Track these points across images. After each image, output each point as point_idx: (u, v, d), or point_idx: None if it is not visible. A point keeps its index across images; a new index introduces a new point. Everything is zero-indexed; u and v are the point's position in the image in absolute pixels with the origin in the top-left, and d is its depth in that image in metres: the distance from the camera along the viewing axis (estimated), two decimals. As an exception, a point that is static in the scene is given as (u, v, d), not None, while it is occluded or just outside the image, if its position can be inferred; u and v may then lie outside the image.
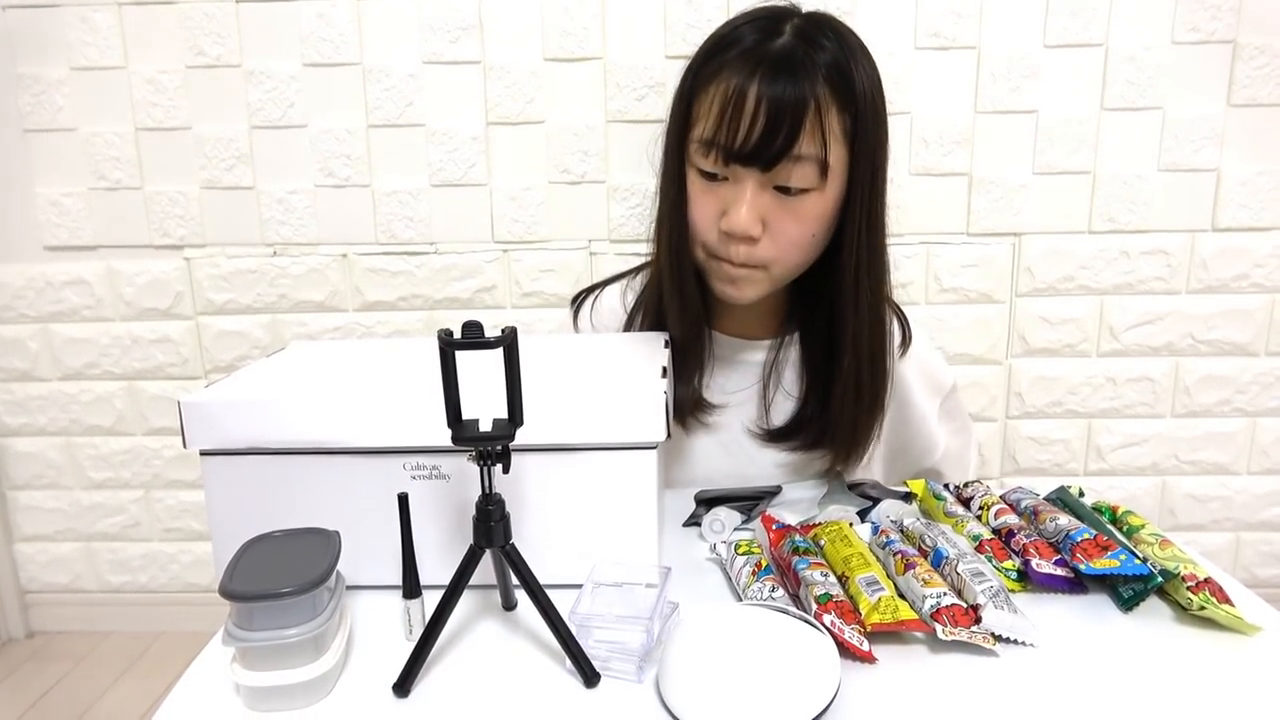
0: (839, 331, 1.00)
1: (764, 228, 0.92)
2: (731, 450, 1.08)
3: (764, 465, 1.08)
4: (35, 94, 1.74)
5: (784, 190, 0.91)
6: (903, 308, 1.11)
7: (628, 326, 1.10)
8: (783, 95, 0.87)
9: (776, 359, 1.07)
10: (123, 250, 1.82)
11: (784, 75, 0.87)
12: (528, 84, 1.70)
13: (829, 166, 0.90)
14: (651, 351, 0.92)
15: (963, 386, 1.80)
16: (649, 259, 1.09)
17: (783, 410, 1.07)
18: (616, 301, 1.13)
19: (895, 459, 1.14)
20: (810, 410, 1.05)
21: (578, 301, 1.19)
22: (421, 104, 1.72)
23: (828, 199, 0.92)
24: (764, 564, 0.78)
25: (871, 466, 1.11)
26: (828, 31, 0.91)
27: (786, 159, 0.88)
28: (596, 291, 1.17)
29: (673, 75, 1.67)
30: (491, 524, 0.66)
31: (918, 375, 1.11)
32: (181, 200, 1.78)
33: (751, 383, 1.08)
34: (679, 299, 1.00)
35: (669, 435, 0.77)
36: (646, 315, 1.08)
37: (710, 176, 0.93)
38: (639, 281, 1.13)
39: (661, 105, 1.69)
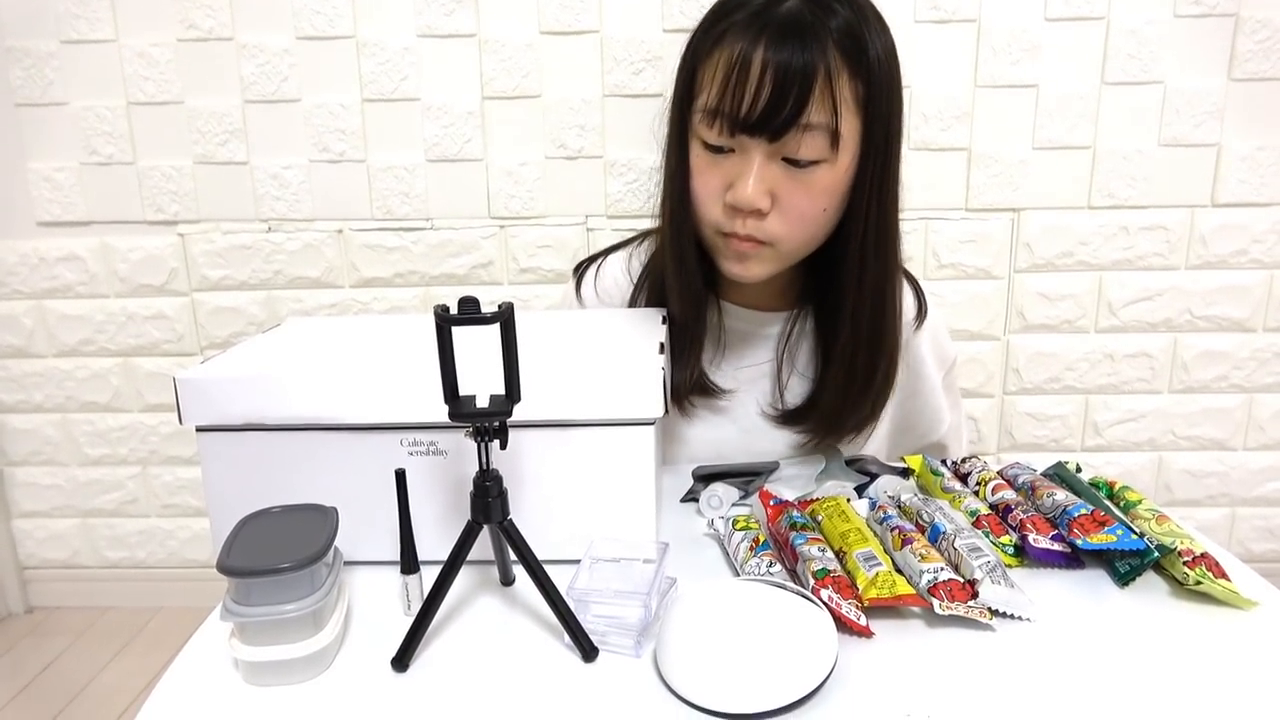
0: (839, 308, 0.97)
1: (772, 201, 0.88)
2: (747, 431, 1.05)
3: (778, 447, 1.05)
4: (26, 68, 1.72)
5: (793, 162, 0.86)
6: (927, 325, 1.08)
7: (632, 298, 1.07)
8: (790, 60, 0.82)
9: (791, 333, 1.04)
10: (116, 226, 1.81)
11: (792, 39, 0.82)
12: (524, 58, 1.69)
13: (840, 136, 0.85)
14: (649, 327, 0.91)
15: (961, 362, 1.80)
16: (654, 228, 1.07)
17: (796, 391, 1.04)
18: (620, 271, 1.10)
19: (902, 434, 1.13)
20: (824, 394, 1.02)
21: (580, 271, 1.14)
22: (417, 78, 1.70)
23: (839, 171, 0.88)
24: (761, 539, 0.78)
25: (876, 442, 1.09)
26: None
27: (795, 128, 0.84)
28: (599, 260, 1.13)
29: (671, 49, 1.66)
30: (489, 500, 0.66)
31: (931, 349, 1.09)
32: (175, 175, 1.77)
33: (765, 359, 1.05)
34: (680, 277, 0.98)
35: (667, 411, 0.76)
36: (652, 291, 1.05)
37: (716, 149, 0.89)
38: (644, 250, 1.10)
39: (659, 79, 1.68)
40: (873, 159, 0.88)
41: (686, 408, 1.04)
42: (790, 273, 1.00)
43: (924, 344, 1.08)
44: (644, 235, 1.11)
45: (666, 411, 0.76)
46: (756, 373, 1.05)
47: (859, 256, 0.93)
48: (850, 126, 0.86)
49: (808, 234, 0.92)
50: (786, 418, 1.03)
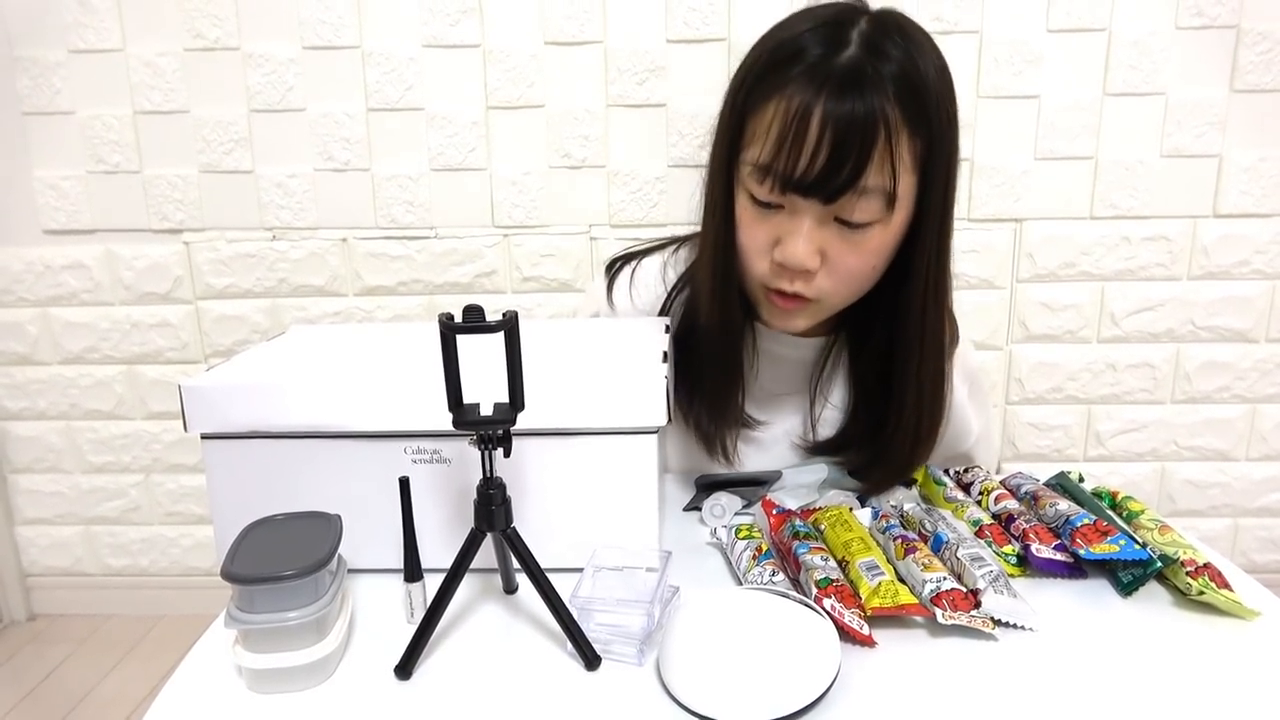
0: (901, 366, 0.93)
1: (822, 259, 0.85)
2: (778, 462, 1.02)
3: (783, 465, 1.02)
4: (33, 77, 1.73)
5: (845, 223, 0.83)
6: (960, 350, 1.06)
7: (665, 309, 1.03)
8: (850, 123, 0.78)
9: (826, 362, 1.01)
10: (121, 234, 1.82)
11: (851, 97, 0.78)
12: (528, 68, 1.69)
13: (897, 197, 0.81)
14: (652, 336, 0.92)
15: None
16: (689, 235, 1.04)
17: (827, 421, 1.02)
18: (656, 276, 1.05)
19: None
20: (859, 429, 0.99)
21: (613, 271, 1.08)
22: (421, 88, 1.71)
23: (892, 229, 0.84)
24: (764, 548, 0.78)
25: None
26: (897, 39, 0.81)
27: (851, 191, 0.80)
28: (635, 261, 1.07)
29: (674, 60, 1.67)
30: (493, 508, 0.67)
31: (959, 370, 1.06)
32: (180, 184, 1.78)
33: (797, 387, 1.02)
34: (720, 324, 0.94)
35: (669, 420, 0.77)
36: (687, 316, 1.00)
37: (765, 204, 0.85)
38: (680, 259, 1.05)
39: (662, 89, 1.69)
40: (931, 214, 0.85)
41: (735, 441, 0.99)
42: None
43: (955, 369, 1.05)
44: (679, 242, 1.07)
45: (669, 420, 0.76)
46: (788, 403, 1.02)
47: (920, 310, 0.90)
48: (906, 185, 0.82)
49: (854, 290, 0.89)
50: (817, 449, 1.01)
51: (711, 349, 0.96)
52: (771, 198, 0.83)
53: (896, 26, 0.82)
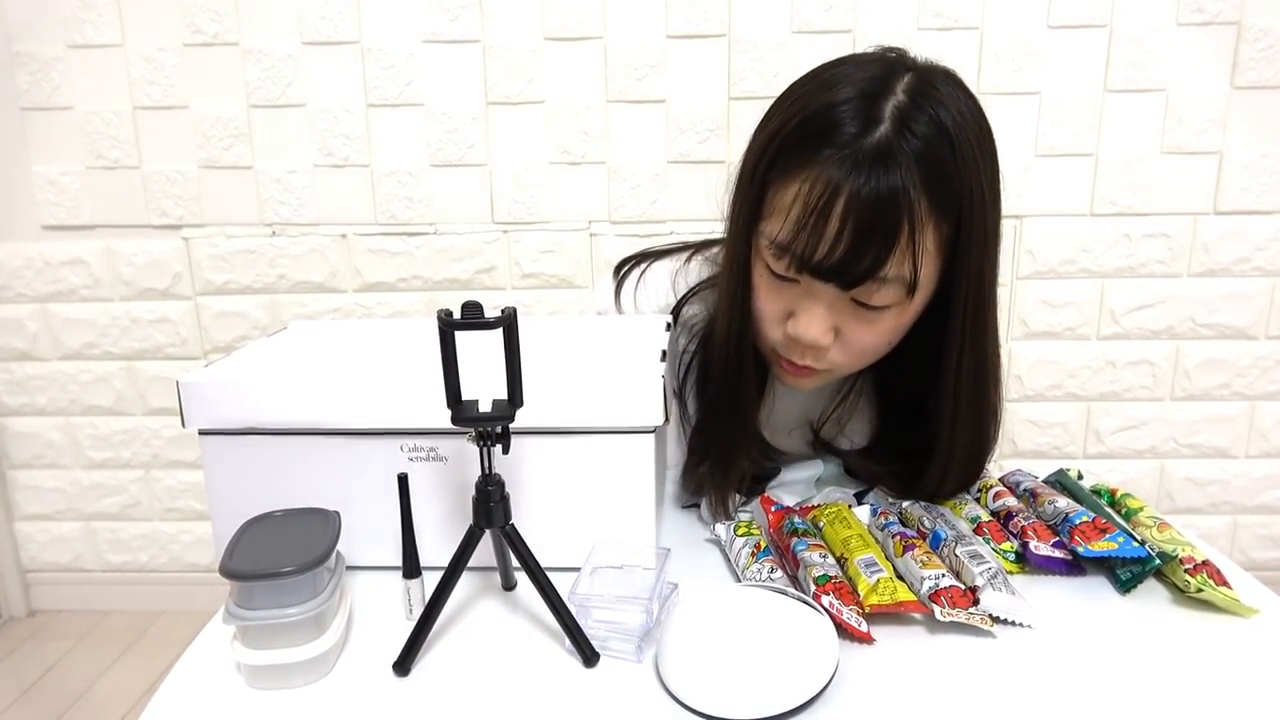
0: (935, 439, 0.88)
1: (835, 335, 0.83)
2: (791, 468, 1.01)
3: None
4: (32, 72, 1.73)
5: (862, 305, 0.81)
6: None
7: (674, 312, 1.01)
8: (874, 215, 0.75)
9: (847, 397, 0.98)
10: (121, 230, 1.81)
11: (876, 183, 0.75)
12: (528, 63, 1.69)
13: (917, 286, 0.79)
14: (650, 335, 0.92)
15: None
16: (705, 241, 1.01)
17: (853, 437, 0.99)
18: (666, 284, 1.02)
19: None
20: (884, 458, 0.96)
21: (623, 272, 1.06)
22: (421, 83, 1.71)
23: (911, 310, 0.82)
24: (763, 545, 0.78)
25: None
26: (931, 111, 0.77)
27: (870, 280, 0.77)
28: (645, 265, 1.05)
29: (674, 55, 1.67)
30: (491, 504, 0.67)
31: None
32: (179, 180, 1.77)
33: (812, 417, 1.00)
34: (738, 378, 0.90)
35: (667, 419, 0.76)
36: (698, 347, 0.98)
37: (782, 278, 0.82)
38: (691, 271, 1.02)
39: (662, 85, 1.69)
40: (963, 295, 0.82)
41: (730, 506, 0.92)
42: None
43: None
44: (691, 250, 1.04)
45: (666, 420, 0.76)
46: (799, 435, 1.00)
47: (954, 394, 0.86)
48: (929, 272, 0.80)
49: (864, 363, 0.88)
50: (823, 447, 1.00)
51: (723, 398, 0.92)
52: (789, 274, 0.81)
53: (934, 98, 0.78)
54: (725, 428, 0.92)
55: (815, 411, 0.99)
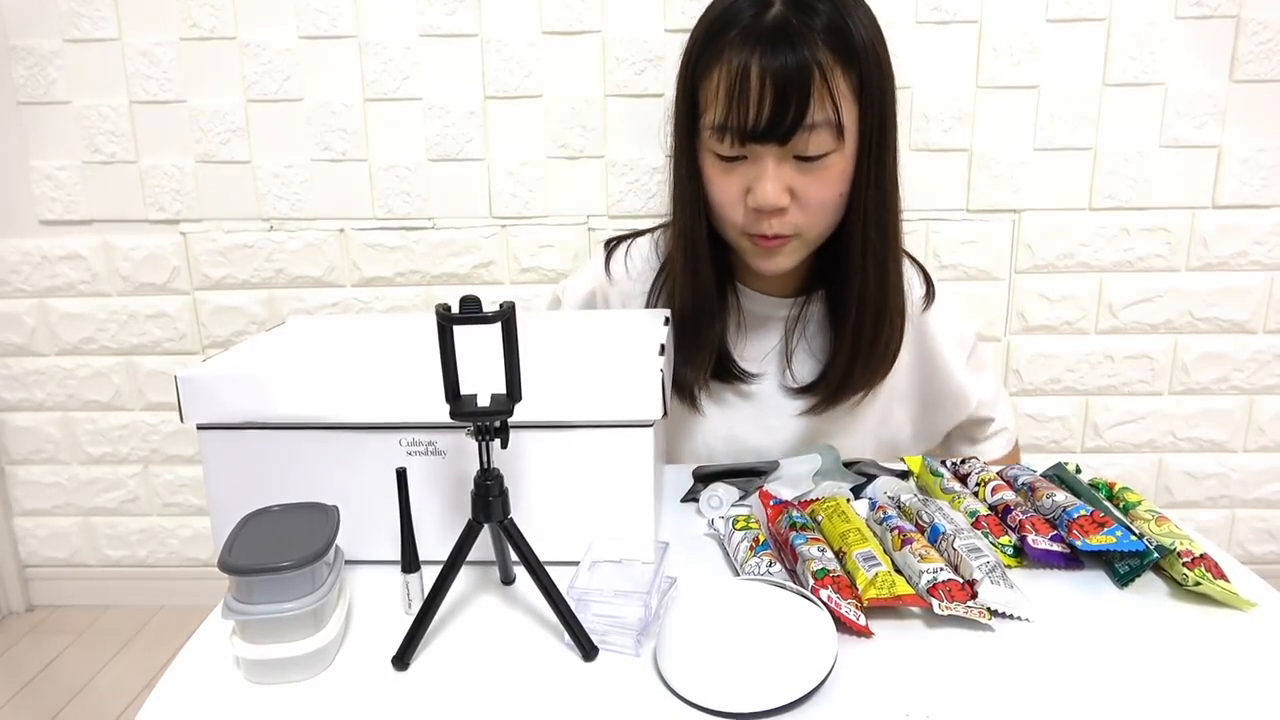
0: (847, 285, 1.02)
1: (791, 196, 0.94)
2: (763, 411, 1.10)
3: (787, 424, 1.10)
4: (29, 66, 1.73)
5: (804, 158, 0.92)
6: (935, 305, 1.12)
7: (653, 286, 1.13)
8: (786, 68, 0.87)
9: (801, 315, 1.09)
10: (118, 225, 1.81)
11: (783, 47, 0.88)
12: (525, 57, 1.69)
13: (843, 126, 0.91)
14: (650, 329, 0.92)
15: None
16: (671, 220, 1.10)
17: (807, 367, 1.10)
18: (650, 250, 1.15)
19: (927, 411, 1.16)
20: (821, 377, 1.08)
21: (611, 246, 1.19)
22: (419, 77, 1.70)
23: (848, 157, 0.94)
24: (761, 539, 0.78)
25: (901, 423, 1.15)
26: None
27: (801, 129, 0.89)
28: (630, 240, 1.19)
29: (673, 49, 1.66)
30: (490, 499, 0.67)
31: (941, 328, 1.13)
32: (177, 174, 1.77)
33: (778, 339, 1.11)
34: (694, 278, 1.03)
35: (665, 414, 0.76)
36: (669, 281, 1.10)
37: (729, 158, 0.94)
38: (667, 239, 1.13)
39: (661, 79, 1.68)
40: (870, 141, 0.94)
41: (704, 398, 1.09)
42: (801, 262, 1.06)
43: (933, 323, 1.12)
44: (666, 226, 1.15)
45: (665, 414, 0.76)
46: (774, 354, 1.10)
47: (861, 235, 0.98)
48: (850, 115, 0.92)
49: (828, 219, 0.98)
50: (799, 391, 1.09)
51: (685, 302, 1.05)
52: (733, 151, 0.93)
53: None
54: (691, 325, 1.05)
55: (779, 341, 1.10)
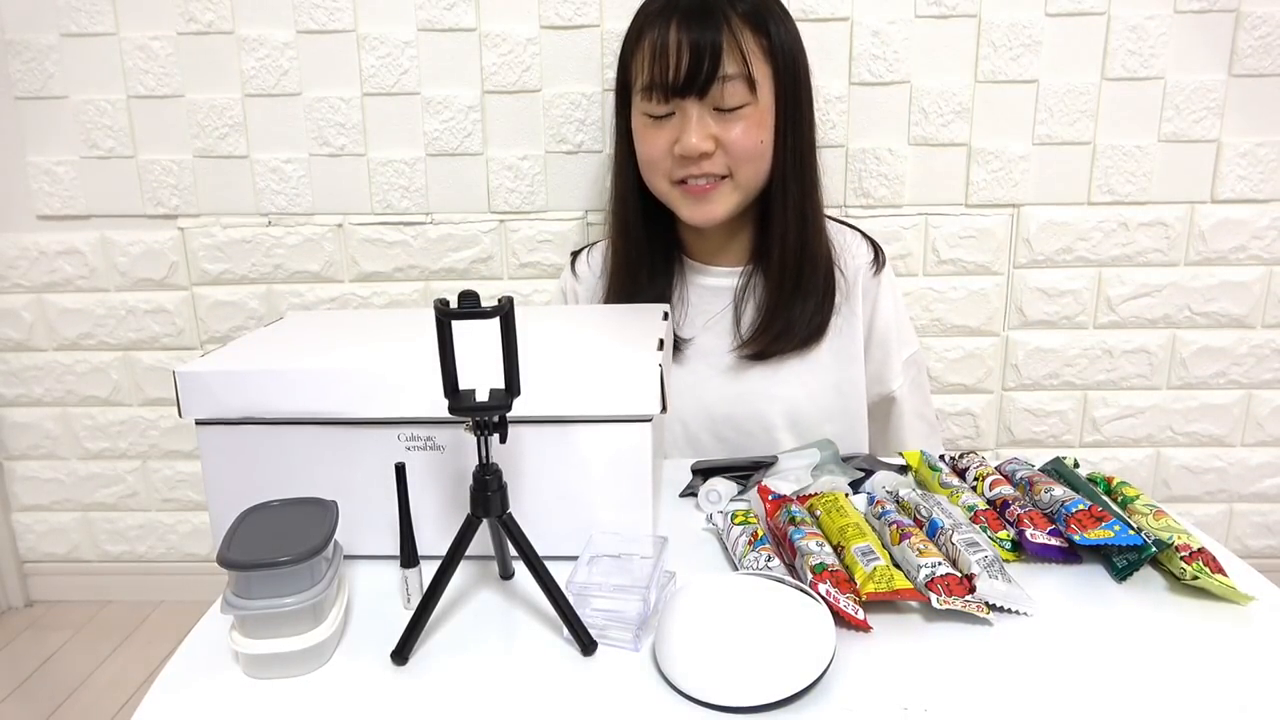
0: (771, 228, 1.15)
1: (716, 144, 1.09)
2: (710, 370, 1.20)
3: (735, 379, 1.19)
4: (26, 61, 1.72)
5: (723, 110, 1.08)
6: (898, 279, 1.28)
7: (604, 275, 1.28)
8: (701, 29, 1.04)
9: (748, 285, 1.20)
10: (116, 220, 1.81)
11: (697, 13, 1.05)
12: (524, 52, 1.68)
13: (756, 81, 1.07)
14: (648, 325, 0.92)
15: (959, 359, 1.81)
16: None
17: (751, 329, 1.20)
18: (607, 251, 1.30)
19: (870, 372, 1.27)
20: (764, 324, 1.18)
21: (575, 254, 1.40)
22: (417, 72, 1.70)
23: (763, 109, 1.10)
24: (760, 534, 0.78)
25: (856, 382, 1.23)
26: None
27: (716, 81, 1.06)
28: (589, 247, 1.40)
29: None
30: (489, 494, 0.67)
31: (889, 292, 1.26)
32: (175, 169, 1.77)
33: (724, 305, 1.21)
34: (627, 239, 1.21)
35: (664, 409, 0.77)
36: (615, 270, 1.25)
37: (657, 117, 1.11)
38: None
39: (659, 74, 1.68)
40: (785, 98, 1.11)
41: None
42: (740, 229, 1.21)
43: (883, 286, 1.25)
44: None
45: (664, 409, 0.76)
46: (717, 320, 1.21)
47: (781, 181, 1.14)
48: (763, 73, 1.09)
49: (754, 164, 1.12)
50: (742, 351, 1.19)
51: (620, 253, 1.22)
52: (660, 109, 1.10)
53: None
54: (627, 277, 1.21)
55: (726, 308, 1.21)
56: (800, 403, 1.17)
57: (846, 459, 0.99)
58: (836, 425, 1.21)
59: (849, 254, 1.23)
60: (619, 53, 1.18)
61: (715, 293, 1.22)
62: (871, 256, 1.25)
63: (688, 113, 1.08)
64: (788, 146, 1.13)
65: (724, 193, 1.12)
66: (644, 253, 1.21)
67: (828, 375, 1.20)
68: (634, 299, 1.20)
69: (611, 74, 1.68)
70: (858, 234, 1.27)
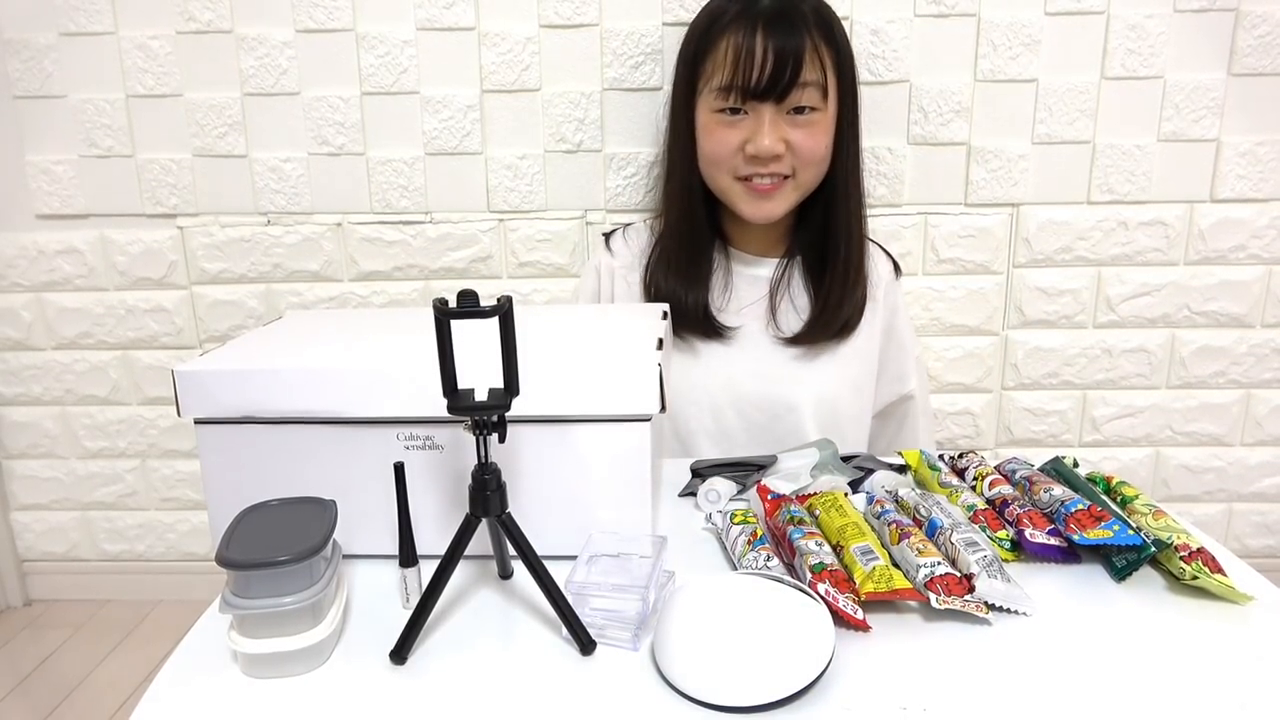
0: (834, 223, 1.23)
1: (786, 146, 1.15)
2: (756, 358, 1.25)
3: (782, 361, 1.25)
4: (24, 60, 1.72)
5: (798, 110, 1.14)
6: (901, 280, 1.35)
7: (650, 252, 1.32)
8: (785, 36, 1.10)
9: (785, 275, 1.27)
10: (115, 219, 1.81)
11: (782, 21, 1.10)
12: (523, 51, 1.68)
13: (827, 90, 1.15)
14: (648, 324, 0.92)
15: (958, 358, 1.81)
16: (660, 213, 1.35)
17: (790, 319, 1.26)
18: (644, 230, 1.39)
19: (877, 380, 1.34)
20: (817, 313, 1.25)
21: (608, 234, 1.44)
22: (416, 72, 1.70)
23: (830, 116, 1.17)
24: (759, 533, 0.78)
25: (867, 383, 1.32)
26: None
27: (795, 87, 1.11)
28: (624, 227, 1.44)
29: (671, 42, 1.66)
30: (488, 493, 0.67)
31: (905, 306, 1.36)
32: (174, 168, 1.77)
33: (763, 293, 1.27)
34: (689, 223, 1.25)
35: (663, 409, 0.76)
36: (663, 257, 1.29)
37: (732, 111, 1.15)
38: (657, 225, 1.35)
39: (659, 73, 1.68)
40: (846, 107, 1.19)
41: (695, 344, 1.26)
42: (783, 224, 1.27)
43: (900, 300, 1.35)
44: (659, 215, 1.37)
45: (663, 409, 0.76)
46: (757, 308, 1.27)
47: (844, 183, 1.22)
48: (831, 82, 1.16)
49: (817, 167, 1.19)
50: (793, 341, 1.24)
51: (682, 240, 1.26)
52: (734, 106, 1.15)
53: None
54: (684, 262, 1.25)
55: (763, 298, 1.28)
56: (826, 391, 1.25)
57: (846, 458, 0.99)
58: (852, 417, 1.30)
59: (874, 261, 1.32)
60: (683, 46, 1.24)
61: (753, 281, 1.28)
62: (891, 267, 1.36)
63: (761, 115, 1.14)
64: (847, 151, 1.20)
65: (785, 192, 1.19)
66: (707, 238, 1.26)
67: (850, 369, 1.27)
68: (691, 279, 1.25)
69: (611, 73, 1.68)
70: (877, 246, 1.37)
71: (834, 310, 1.24)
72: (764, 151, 1.13)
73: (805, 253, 1.28)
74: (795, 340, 1.24)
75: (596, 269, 1.41)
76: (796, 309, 1.27)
